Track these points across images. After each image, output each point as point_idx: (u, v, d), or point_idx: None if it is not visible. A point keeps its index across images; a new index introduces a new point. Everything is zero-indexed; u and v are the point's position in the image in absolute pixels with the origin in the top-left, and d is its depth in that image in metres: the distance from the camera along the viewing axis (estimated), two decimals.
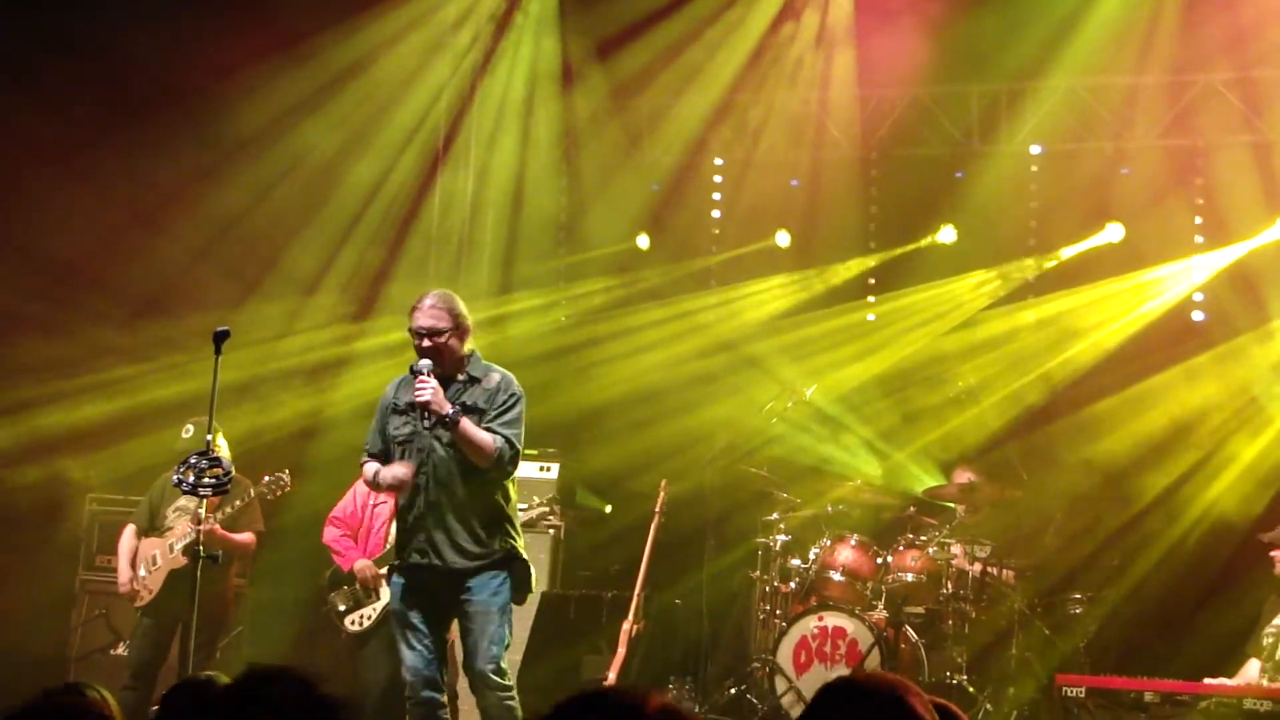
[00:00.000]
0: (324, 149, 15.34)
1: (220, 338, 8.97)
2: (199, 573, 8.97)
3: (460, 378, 9.03)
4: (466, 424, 8.84)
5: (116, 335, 14.61)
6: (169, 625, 12.08)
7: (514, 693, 9.02)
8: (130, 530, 12.28)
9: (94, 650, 13.24)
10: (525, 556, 9.16)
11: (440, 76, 15.88)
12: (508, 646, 9.07)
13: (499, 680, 8.93)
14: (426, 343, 8.95)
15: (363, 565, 11.56)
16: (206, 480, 8.77)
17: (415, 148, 15.79)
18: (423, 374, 8.87)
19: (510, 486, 9.16)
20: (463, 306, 9.17)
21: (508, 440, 8.89)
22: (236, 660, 13.75)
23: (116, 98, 14.19)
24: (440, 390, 8.85)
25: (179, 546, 11.88)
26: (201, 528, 9.30)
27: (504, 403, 8.99)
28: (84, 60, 14.03)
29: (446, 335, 8.98)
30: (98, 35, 14.05)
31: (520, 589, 9.13)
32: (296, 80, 14.79)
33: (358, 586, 11.56)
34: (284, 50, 14.59)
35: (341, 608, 11.64)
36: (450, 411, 8.82)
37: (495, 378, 9.06)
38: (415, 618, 9.08)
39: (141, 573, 12.02)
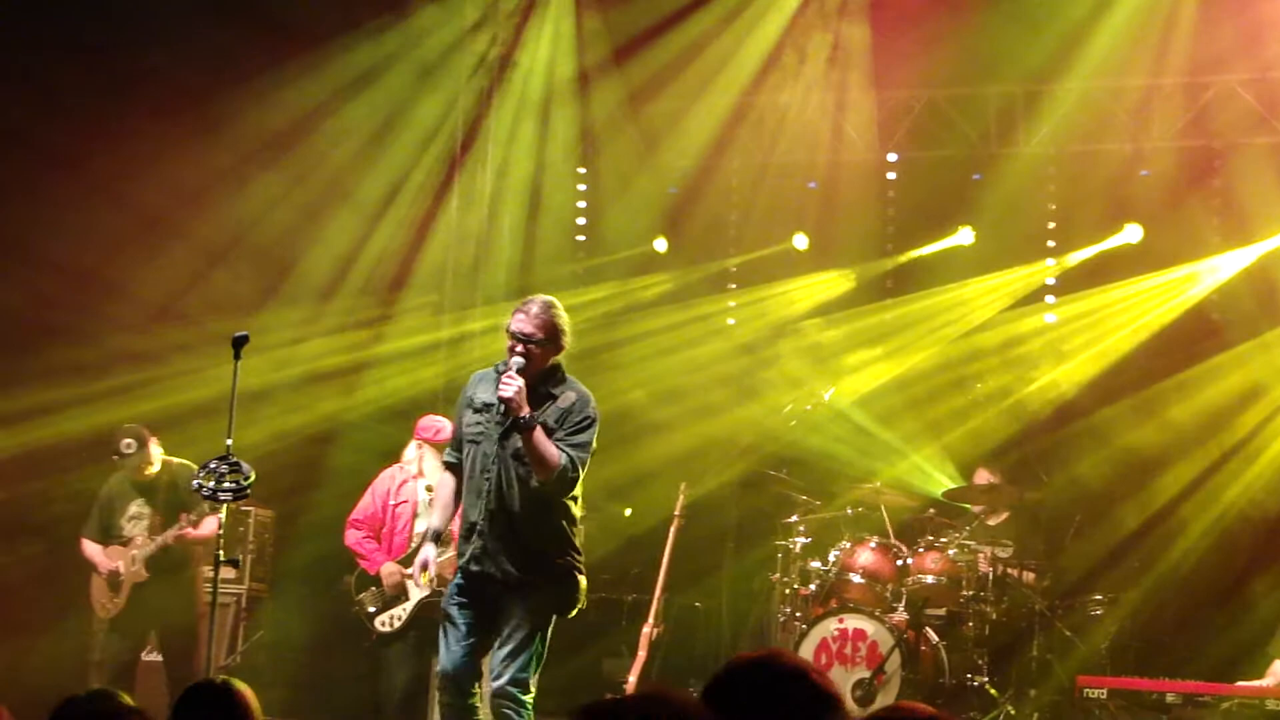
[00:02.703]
0: (341, 153, 15.36)
1: (239, 343, 8.97)
2: (216, 576, 8.98)
3: (540, 391, 8.89)
4: (540, 434, 8.70)
5: (134, 341, 14.61)
6: (137, 637, 12.10)
7: (526, 707, 8.83)
8: (88, 543, 12.24)
9: (99, 662, 13.21)
10: (582, 571, 9.04)
11: (458, 81, 15.89)
12: (533, 659, 8.88)
13: (509, 688, 8.78)
14: (519, 347, 8.83)
15: (390, 570, 11.57)
16: (227, 485, 8.76)
17: (433, 152, 15.80)
18: (510, 371, 8.76)
19: (572, 504, 9.01)
20: (563, 321, 9.00)
21: (572, 460, 8.75)
22: (257, 663, 13.78)
23: (132, 102, 14.20)
24: (523, 390, 8.69)
25: (141, 558, 11.87)
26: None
27: (577, 422, 8.85)
28: (100, 65, 14.05)
29: (537, 345, 8.84)
30: (113, 40, 14.08)
31: (568, 604, 9.02)
32: (314, 84, 14.81)
33: (386, 588, 11.57)
34: (301, 54, 14.61)
35: (371, 609, 11.65)
36: (527, 415, 8.69)
37: (571, 396, 8.90)
38: (460, 618, 8.96)
39: (106, 585, 12.03)
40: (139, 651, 12.26)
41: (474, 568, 8.96)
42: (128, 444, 12.04)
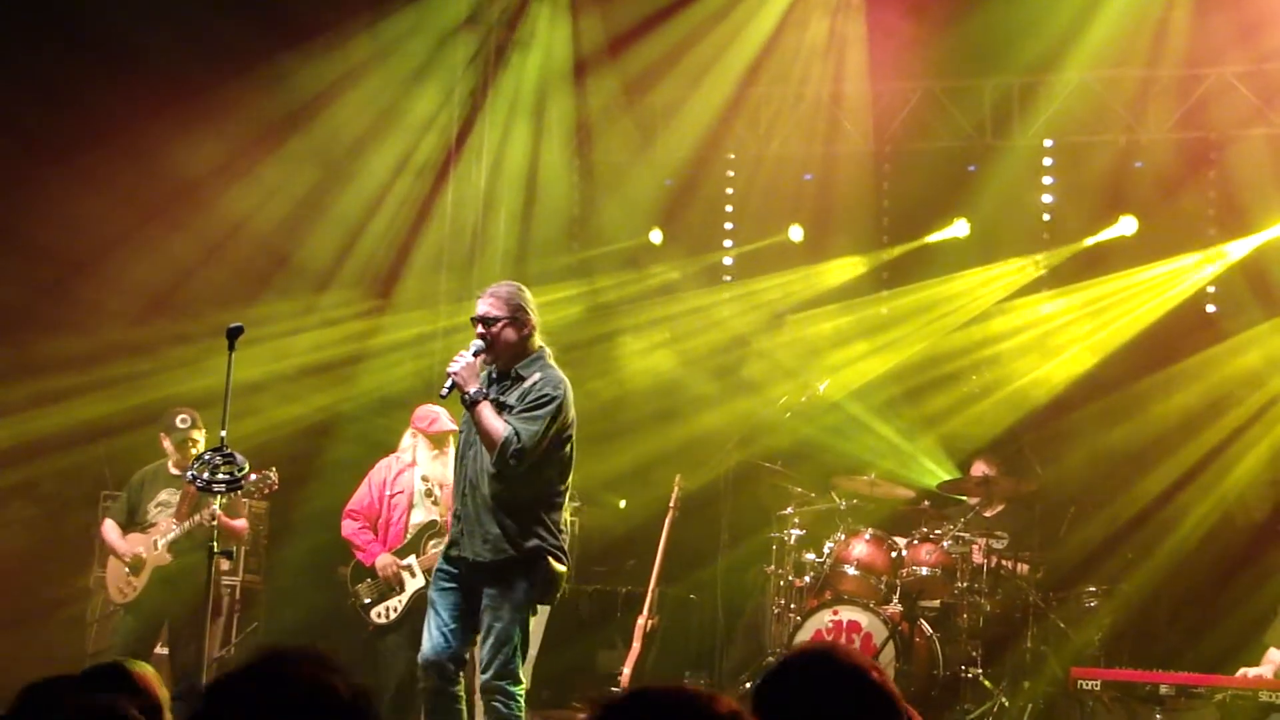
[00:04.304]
0: (337, 144, 15.36)
1: (234, 334, 8.97)
2: (210, 566, 9.00)
3: (512, 374, 8.98)
4: (484, 409, 8.76)
5: (129, 332, 14.61)
6: (153, 623, 12.07)
7: (516, 699, 8.85)
8: (110, 525, 12.27)
9: (110, 647, 13.24)
10: (557, 557, 8.96)
11: (453, 72, 15.88)
12: (518, 648, 8.86)
13: (498, 682, 8.77)
14: (480, 329, 8.92)
15: (385, 561, 11.59)
16: (221, 476, 8.77)
17: (428, 143, 15.80)
18: (467, 351, 8.85)
19: (545, 484, 8.98)
20: (524, 299, 9.04)
21: (516, 432, 8.72)
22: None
23: (126, 93, 14.18)
24: (472, 366, 8.81)
25: (163, 543, 11.87)
26: (212, 521, 9.32)
27: (533, 399, 8.85)
28: (94, 55, 14.03)
29: (499, 325, 8.90)
30: (107, 29, 14.06)
31: (543, 589, 8.97)
32: (310, 75, 14.80)
33: (382, 579, 11.58)
34: (298, 45, 14.59)
35: (367, 600, 11.67)
36: (472, 391, 8.78)
37: (536, 376, 8.93)
38: (441, 603, 9.00)
39: (125, 569, 12.03)
40: (154, 638, 12.20)
41: (453, 551, 9.05)
42: (183, 419, 12.06)
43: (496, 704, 8.81)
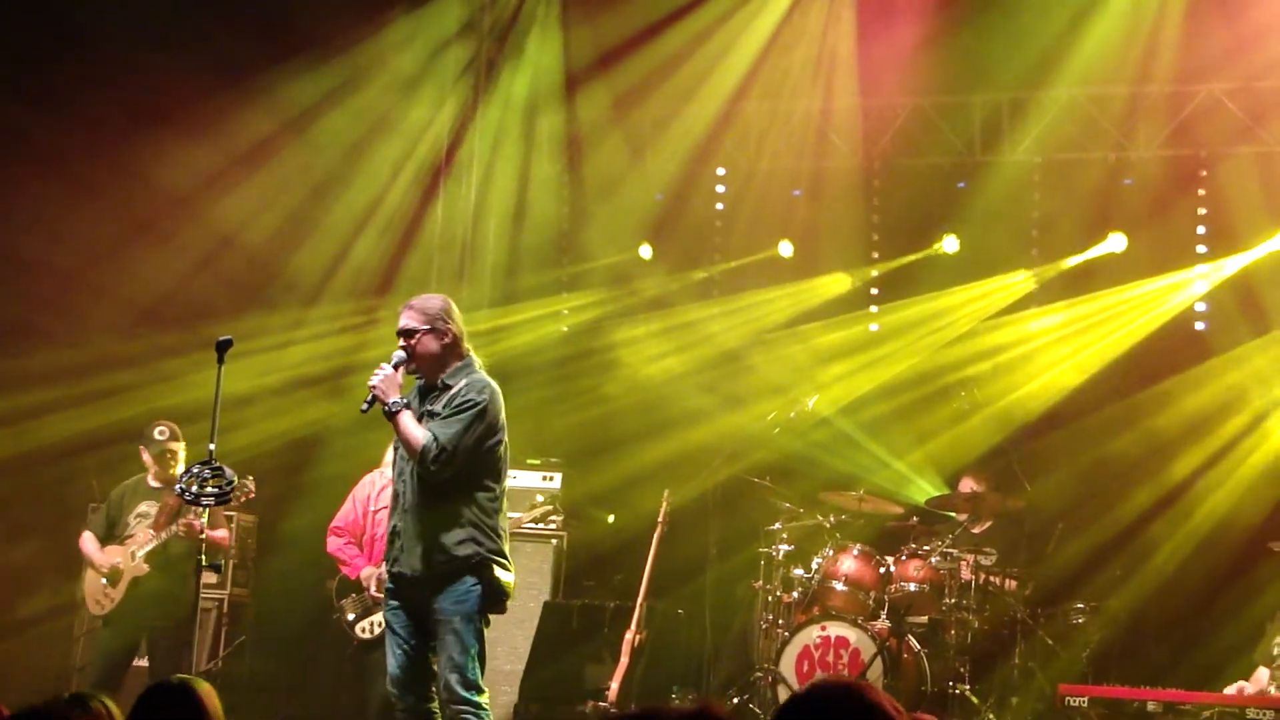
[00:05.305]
0: (328, 157, 15.35)
1: (223, 347, 8.95)
2: (199, 580, 8.98)
3: (440, 384, 9.01)
4: (404, 418, 8.80)
5: (119, 344, 14.59)
6: (131, 634, 12.04)
7: (478, 707, 8.81)
8: (89, 537, 12.24)
9: (91, 661, 13.21)
10: (500, 565, 8.95)
11: (444, 86, 15.89)
12: (474, 657, 8.84)
13: (461, 692, 8.75)
14: (401, 342, 8.97)
15: (370, 573, 11.56)
16: (209, 490, 8.75)
17: (419, 156, 15.80)
18: (387, 364, 8.89)
19: (478, 491, 8.95)
20: (444, 309, 9.05)
21: (435, 437, 8.75)
22: (240, 670, 13.76)
23: (119, 105, 14.18)
24: (391, 378, 8.84)
25: (141, 554, 11.85)
26: (202, 535, 9.32)
27: (456, 405, 8.88)
28: (86, 67, 14.03)
29: (418, 336, 8.94)
30: (100, 42, 14.06)
31: (491, 598, 8.94)
32: (302, 88, 14.80)
33: (366, 594, 11.56)
34: (289, 58, 14.59)
35: (351, 616, 11.65)
36: (390, 402, 8.81)
37: (462, 383, 8.96)
38: (396, 623, 9.04)
39: (102, 581, 12.00)
40: (132, 651, 12.16)
41: (394, 569, 9.07)
42: (161, 431, 12.06)
43: (466, 717, 8.80)
